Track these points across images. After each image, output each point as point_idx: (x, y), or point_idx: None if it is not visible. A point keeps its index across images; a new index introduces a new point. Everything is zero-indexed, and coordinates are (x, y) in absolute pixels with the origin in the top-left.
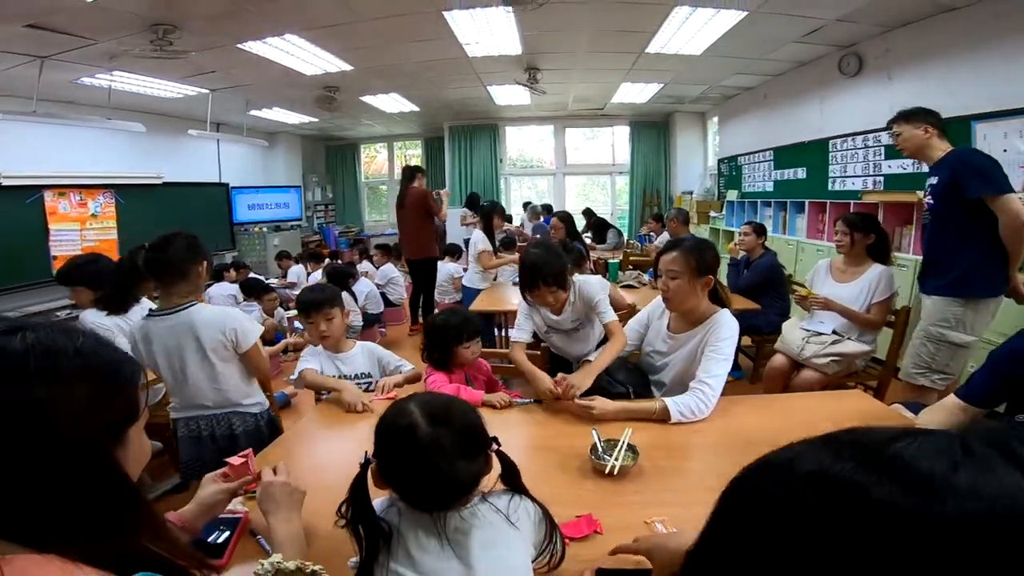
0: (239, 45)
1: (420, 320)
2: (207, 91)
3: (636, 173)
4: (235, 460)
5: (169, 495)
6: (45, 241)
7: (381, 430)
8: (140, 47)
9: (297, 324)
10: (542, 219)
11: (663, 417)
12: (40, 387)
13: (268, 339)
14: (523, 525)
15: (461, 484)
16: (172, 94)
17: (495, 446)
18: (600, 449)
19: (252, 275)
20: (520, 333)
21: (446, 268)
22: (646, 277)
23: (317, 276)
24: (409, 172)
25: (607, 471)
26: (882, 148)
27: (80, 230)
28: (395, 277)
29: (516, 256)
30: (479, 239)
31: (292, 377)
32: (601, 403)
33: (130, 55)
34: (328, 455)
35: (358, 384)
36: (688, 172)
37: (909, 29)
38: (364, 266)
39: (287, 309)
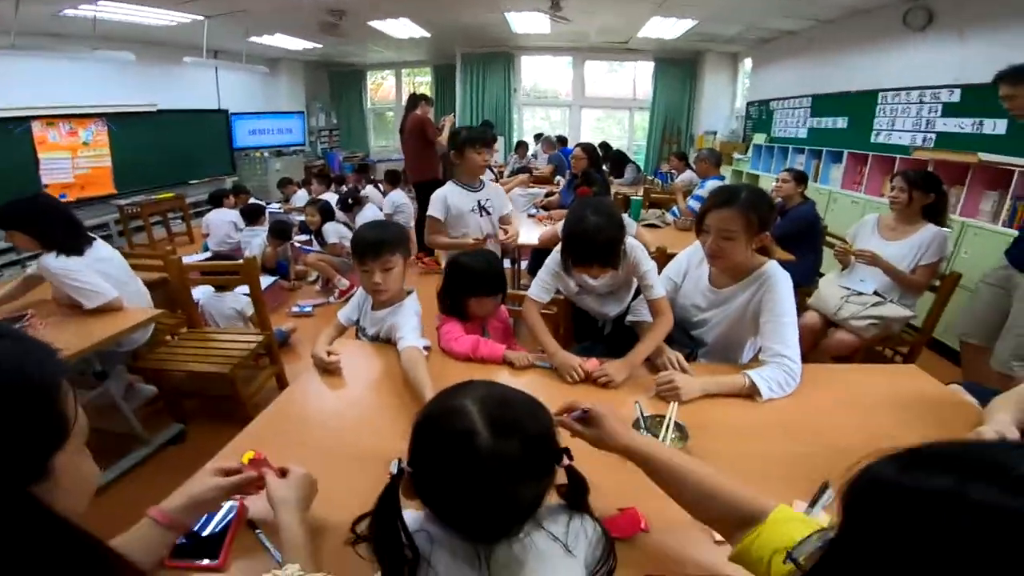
0: None
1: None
2: (202, 18)
3: (657, 110)
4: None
5: (167, 447)
6: (35, 170)
7: (425, 431)
8: None
9: (305, 248)
10: (559, 150)
11: (751, 393)
12: None
13: (269, 268)
14: (580, 550)
15: (522, 510)
16: (164, 22)
17: (567, 460)
18: (643, 427)
19: (254, 201)
20: (540, 291)
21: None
22: (669, 216)
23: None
24: (412, 100)
25: None
26: (940, 105)
27: (71, 158)
28: (402, 204)
29: (525, 178)
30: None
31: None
32: (684, 380)
33: None
34: (334, 435)
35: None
36: (713, 113)
37: None
38: (369, 191)
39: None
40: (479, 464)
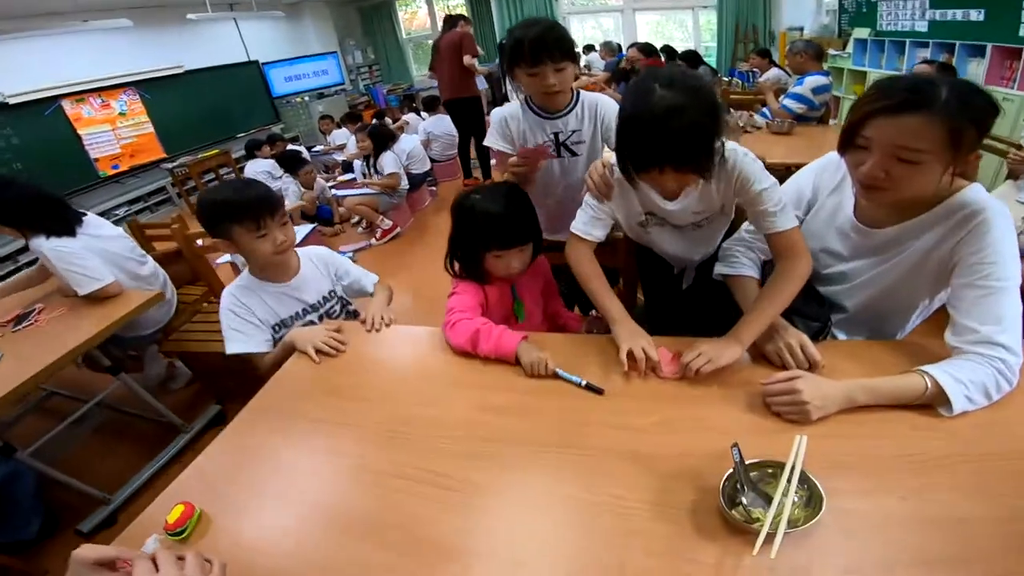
0: None
1: (472, 174)
2: None
3: (726, 6)
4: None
5: (208, 430)
6: (80, 145)
7: None
8: None
9: (337, 192)
10: (619, 55)
11: (931, 403)
12: None
13: (310, 214)
14: None
15: None
16: None
17: None
18: (742, 486)
19: (292, 147)
20: (590, 223)
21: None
22: (759, 118)
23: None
24: (450, 20)
25: (761, 540)
26: None
27: (112, 129)
28: (437, 133)
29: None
30: None
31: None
32: (814, 388)
33: None
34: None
35: (324, 307)
36: (796, 6)
37: None
38: (410, 117)
39: (331, 177)
40: None
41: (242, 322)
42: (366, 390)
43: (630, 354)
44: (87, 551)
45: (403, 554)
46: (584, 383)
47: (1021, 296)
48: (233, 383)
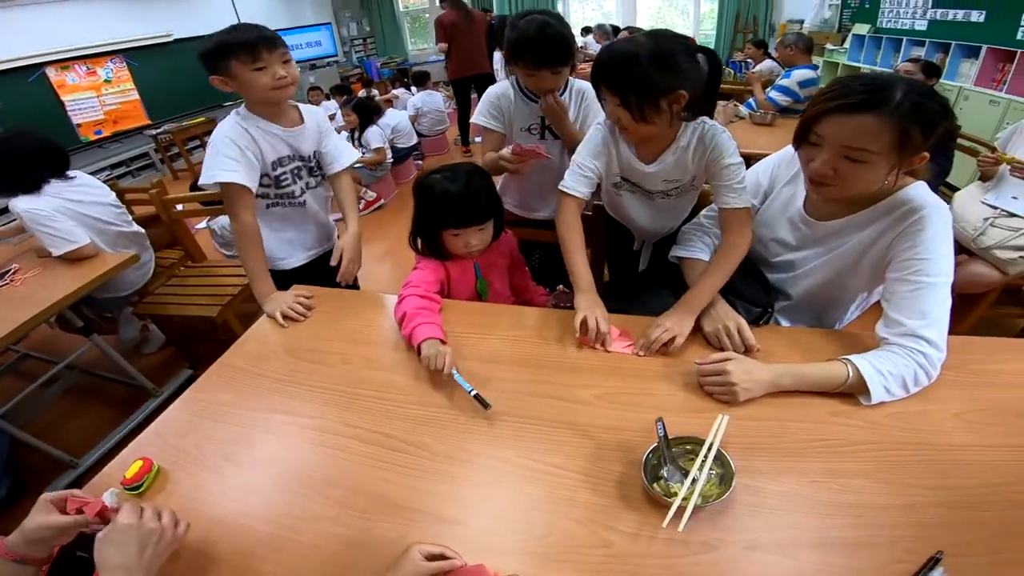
0: None
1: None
2: None
3: None
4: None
5: (181, 394)
6: (63, 112)
7: None
8: None
9: None
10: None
11: (852, 392)
12: None
13: None
14: None
15: None
16: None
17: None
18: (665, 459)
19: None
20: (578, 180)
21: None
22: (743, 109)
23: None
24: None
25: (671, 514)
26: None
27: (97, 96)
28: (426, 109)
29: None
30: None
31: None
32: (743, 370)
33: None
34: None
35: (304, 166)
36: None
37: None
38: (400, 92)
39: None
40: None
41: (239, 151)
42: (328, 354)
43: (584, 323)
44: (50, 494)
45: (349, 508)
46: (473, 393)
47: (952, 294)
48: (205, 348)
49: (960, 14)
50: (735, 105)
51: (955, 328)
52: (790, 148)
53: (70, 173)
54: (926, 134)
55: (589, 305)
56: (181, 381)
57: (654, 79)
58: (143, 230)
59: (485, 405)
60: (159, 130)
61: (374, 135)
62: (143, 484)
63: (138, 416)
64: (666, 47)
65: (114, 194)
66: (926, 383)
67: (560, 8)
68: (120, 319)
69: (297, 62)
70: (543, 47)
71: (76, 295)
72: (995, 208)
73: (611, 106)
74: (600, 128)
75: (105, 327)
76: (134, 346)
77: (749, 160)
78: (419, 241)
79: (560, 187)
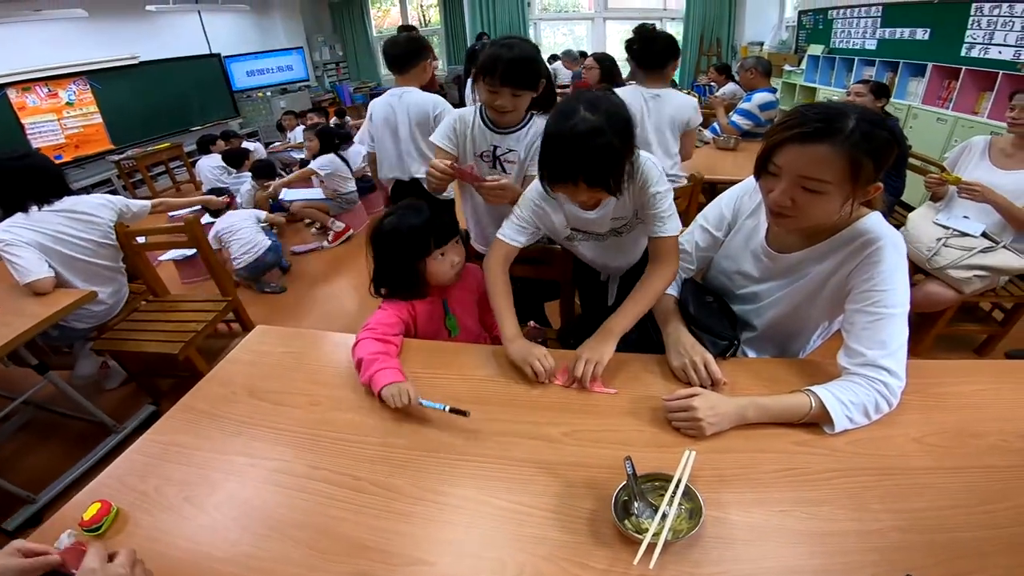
0: None
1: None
2: None
3: (692, 19)
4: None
5: (142, 431)
6: (22, 134)
7: None
8: None
9: (285, 193)
10: (581, 67)
11: (816, 421)
12: None
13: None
14: None
15: None
16: None
17: None
18: (635, 496)
19: (246, 144)
20: (514, 230)
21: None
22: (708, 133)
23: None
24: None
25: (642, 551)
26: None
27: (58, 119)
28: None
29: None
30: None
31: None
32: (709, 405)
33: None
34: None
35: None
36: (758, 22)
37: None
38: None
39: (287, 174)
40: None
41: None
42: (291, 395)
43: (533, 370)
44: (16, 543)
45: (315, 550)
46: (448, 408)
47: (908, 323)
48: (168, 383)
49: (907, 32)
50: (699, 130)
51: (914, 347)
52: (752, 179)
53: (61, 202)
54: (877, 162)
55: (520, 352)
56: (143, 417)
57: (622, 151)
58: (123, 266)
59: (464, 414)
60: (122, 155)
61: (319, 162)
62: (102, 526)
63: (99, 452)
64: (615, 113)
65: (108, 227)
66: (887, 410)
67: (530, 34)
68: (79, 354)
69: (268, 87)
70: (510, 67)
71: (27, 335)
72: (947, 228)
73: (583, 195)
74: (535, 193)
75: (61, 361)
76: (94, 382)
77: (715, 187)
78: (383, 289)
79: (498, 234)
